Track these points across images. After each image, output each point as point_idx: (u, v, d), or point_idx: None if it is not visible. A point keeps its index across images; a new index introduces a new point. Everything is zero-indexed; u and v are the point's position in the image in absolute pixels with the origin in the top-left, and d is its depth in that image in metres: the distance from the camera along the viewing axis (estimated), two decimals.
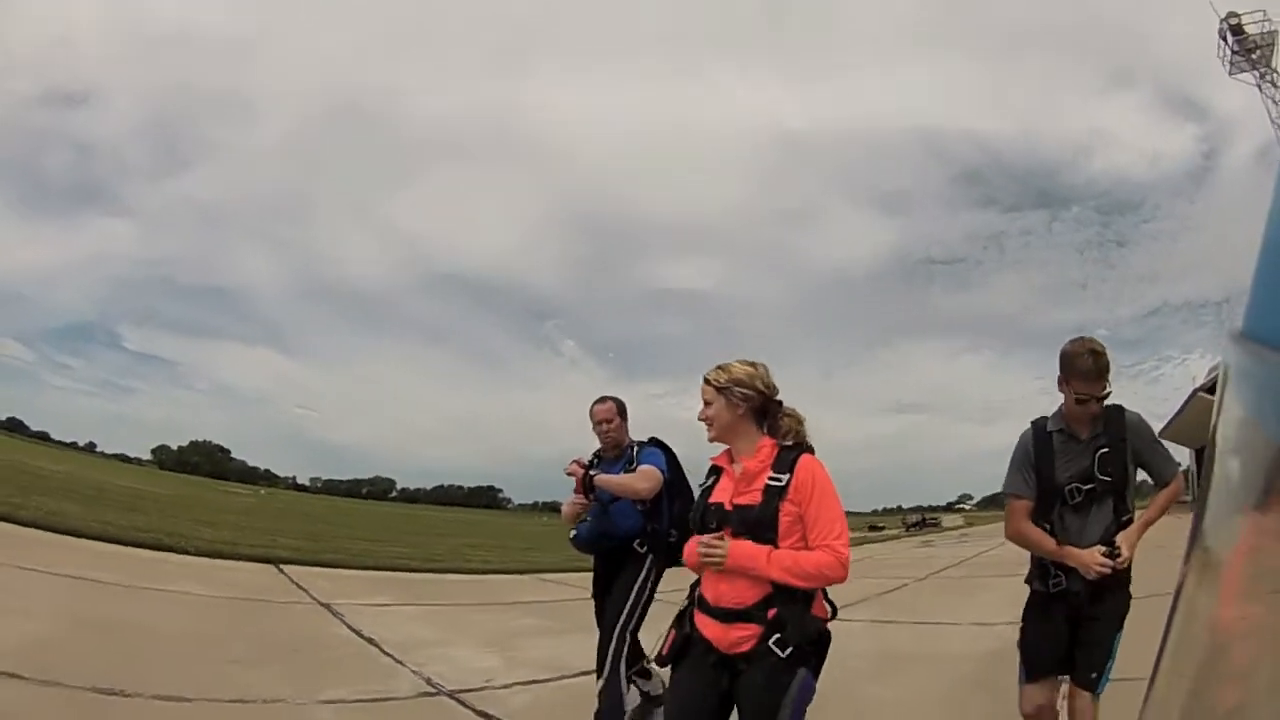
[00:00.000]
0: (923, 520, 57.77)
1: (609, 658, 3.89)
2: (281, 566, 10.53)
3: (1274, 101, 36.05)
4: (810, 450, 2.54)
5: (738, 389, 2.55)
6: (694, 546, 2.47)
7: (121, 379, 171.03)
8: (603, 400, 4.33)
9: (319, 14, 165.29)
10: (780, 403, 2.62)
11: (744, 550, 2.34)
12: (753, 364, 2.62)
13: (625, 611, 3.95)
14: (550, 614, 8.40)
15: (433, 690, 4.80)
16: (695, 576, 2.58)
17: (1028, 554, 3.20)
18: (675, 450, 4.19)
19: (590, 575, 4.42)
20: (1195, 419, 37.31)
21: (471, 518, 61.91)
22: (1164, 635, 0.63)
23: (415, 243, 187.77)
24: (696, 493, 3.35)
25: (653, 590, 4.04)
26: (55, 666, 4.09)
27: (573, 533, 4.22)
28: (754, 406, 2.56)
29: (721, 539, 2.38)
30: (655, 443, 4.22)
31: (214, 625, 6.19)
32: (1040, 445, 3.09)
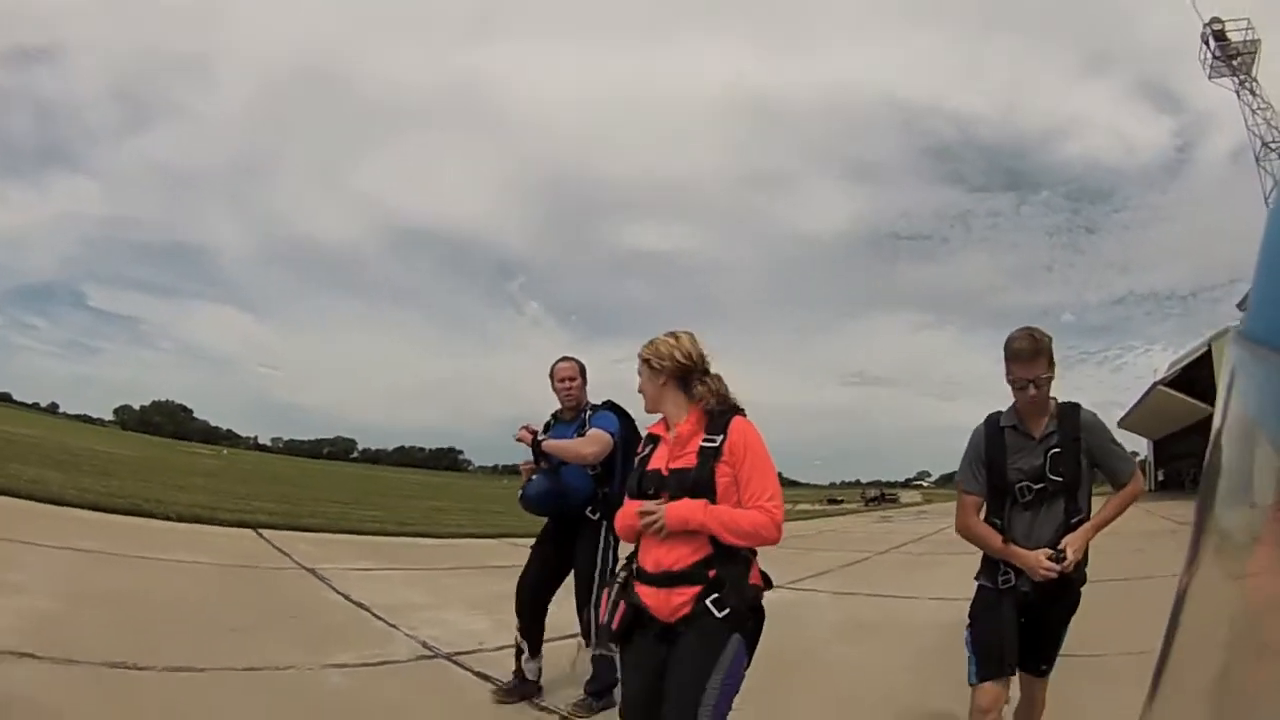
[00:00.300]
0: (881, 495, 59.20)
1: (583, 629, 4.07)
2: (260, 531, 10.73)
3: (1251, 109, 36.81)
4: (741, 412, 2.59)
5: (656, 359, 2.65)
6: (629, 513, 2.54)
7: (86, 339, 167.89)
8: (565, 359, 4.39)
9: None
10: (705, 370, 2.67)
11: (681, 508, 2.39)
12: (675, 334, 2.71)
13: (596, 581, 4.02)
14: None
15: (430, 653, 5.01)
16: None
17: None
18: (632, 414, 4.23)
19: None
20: (1154, 410, 38.79)
21: (434, 480, 61.99)
22: (1167, 635, 0.64)
23: (381, 205, 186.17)
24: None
25: (616, 554, 4.08)
26: (67, 643, 4.16)
27: (519, 492, 4.25)
28: (674, 374, 2.63)
29: (660, 504, 2.44)
30: (609, 405, 4.28)
31: (209, 593, 6.31)
32: (991, 441, 3.05)
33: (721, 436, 2.47)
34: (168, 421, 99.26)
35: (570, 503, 4.15)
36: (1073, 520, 2.91)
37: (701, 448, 2.47)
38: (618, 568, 3.85)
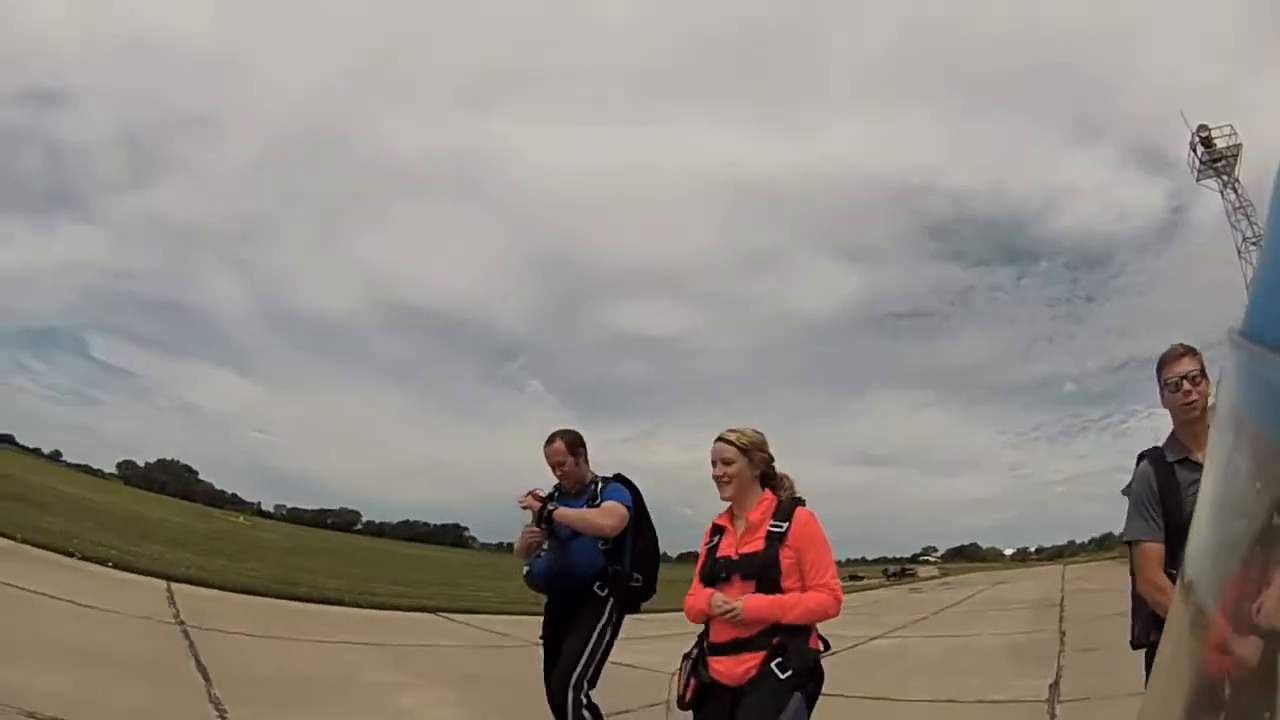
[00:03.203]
0: (902, 570, 62.88)
1: (569, 710, 3.76)
2: (445, 614, 12.75)
3: (1234, 207, 42.06)
4: (803, 503, 2.94)
5: (757, 452, 2.98)
6: (701, 599, 2.86)
7: (86, 388, 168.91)
8: (552, 440, 4.12)
9: (299, 42, 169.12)
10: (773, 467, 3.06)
11: (757, 604, 2.72)
12: (759, 432, 3.05)
13: (583, 661, 3.81)
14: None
15: None
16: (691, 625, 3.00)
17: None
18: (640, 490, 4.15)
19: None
20: None
21: (482, 560, 62.90)
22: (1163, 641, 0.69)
23: (383, 275, 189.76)
24: (659, 532, 4.05)
25: (612, 639, 3.93)
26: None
27: (526, 569, 4.05)
28: (761, 467, 3.00)
29: (739, 600, 2.76)
30: (620, 479, 4.15)
31: (524, 668, 7.49)
32: (1163, 479, 2.79)
33: (787, 524, 2.82)
34: (173, 481, 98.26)
35: (577, 580, 3.95)
36: None
37: (769, 533, 2.82)
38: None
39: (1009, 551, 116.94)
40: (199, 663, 6.00)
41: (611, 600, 3.93)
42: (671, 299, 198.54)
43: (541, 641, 4.18)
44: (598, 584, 3.92)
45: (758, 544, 2.82)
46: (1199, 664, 0.59)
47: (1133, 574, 2.90)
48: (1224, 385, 0.64)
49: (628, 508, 3.94)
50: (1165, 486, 2.78)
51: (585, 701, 3.79)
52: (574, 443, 4.13)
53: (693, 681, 2.87)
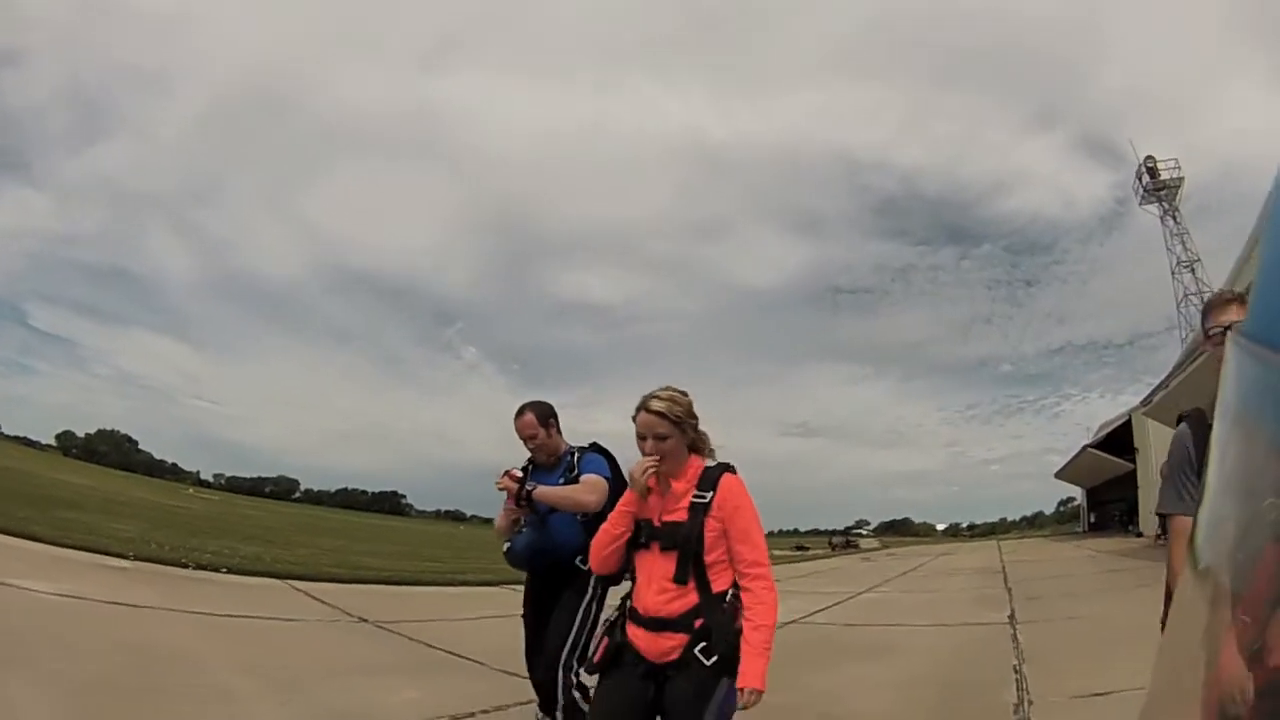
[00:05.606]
0: (847, 541, 67.31)
1: (560, 691, 3.77)
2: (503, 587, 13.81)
3: (1171, 233, 48.45)
4: (732, 469, 2.84)
5: (690, 421, 2.83)
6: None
7: (24, 358, 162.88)
8: (522, 411, 4.12)
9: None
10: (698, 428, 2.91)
11: (757, 666, 2.56)
12: (682, 391, 2.87)
13: (571, 640, 3.83)
14: None
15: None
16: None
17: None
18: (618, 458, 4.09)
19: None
20: (1085, 467, 48.54)
21: (434, 529, 64.49)
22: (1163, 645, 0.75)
23: (324, 237, 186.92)
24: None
25: (598, 613, 3.91)
26: None
27: (506, 545, 4.09)
28: (689, 431, 2.84)
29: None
30: (596, 449, 4.14)
31: None
32: (1204, 443, 2.20)
33: (712, 492, 2.73)
34: (113, 451, 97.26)
35: (559, 556, 3.98)
36: None
37: (692, 502, 2.73)
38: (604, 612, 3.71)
39: (941, 526, 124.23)
40: (466, 658, 6.66)
41: (594, 575, 3.79)
42: (616, 265, 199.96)
43: (524, 625, 4.23)
44: (579, 558, 3.87)
45: (680, 514, 2.75)
46: (1216, 652, 0.58)
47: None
48: (1225, 384, 0.65)
49: (607, 479, 3.93)
50: (1206, 453, 3.55)
51: (575, 681, 3.79)
52: (545, 414, 4.15)
53: (605, 641, 2.85)
